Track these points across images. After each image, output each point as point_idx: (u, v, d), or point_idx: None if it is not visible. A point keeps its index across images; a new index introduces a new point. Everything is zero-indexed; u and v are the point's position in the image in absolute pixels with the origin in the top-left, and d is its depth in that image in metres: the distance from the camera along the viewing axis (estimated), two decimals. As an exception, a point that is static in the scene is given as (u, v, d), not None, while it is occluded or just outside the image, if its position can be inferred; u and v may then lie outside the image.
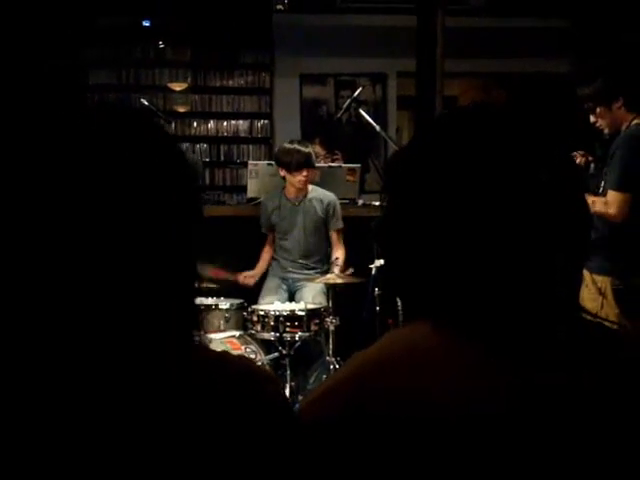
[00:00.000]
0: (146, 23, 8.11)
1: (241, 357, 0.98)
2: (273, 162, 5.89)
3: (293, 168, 4.91)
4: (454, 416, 0.92)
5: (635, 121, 3.71)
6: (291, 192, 5.06)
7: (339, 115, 6.13)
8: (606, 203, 3.66)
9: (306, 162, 4.92)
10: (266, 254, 5.23)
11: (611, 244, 3.69)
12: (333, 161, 6.51)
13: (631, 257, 3.68)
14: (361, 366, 1.00)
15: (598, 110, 3.76)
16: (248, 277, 5.09)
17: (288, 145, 5.00)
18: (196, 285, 0.99)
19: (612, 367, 0.99)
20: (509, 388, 0.95)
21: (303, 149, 4.93)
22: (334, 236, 5.12)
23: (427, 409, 0.93)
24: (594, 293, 3.67)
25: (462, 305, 0.98)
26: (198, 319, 0.98)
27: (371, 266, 4.62)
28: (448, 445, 0.92)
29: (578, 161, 3.93)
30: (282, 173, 4.98)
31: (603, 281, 3.69)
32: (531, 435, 0.93)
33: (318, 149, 6.51)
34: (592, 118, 3.80)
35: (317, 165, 5.53)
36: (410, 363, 0.96)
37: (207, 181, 8.00)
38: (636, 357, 1.01)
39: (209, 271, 4.75)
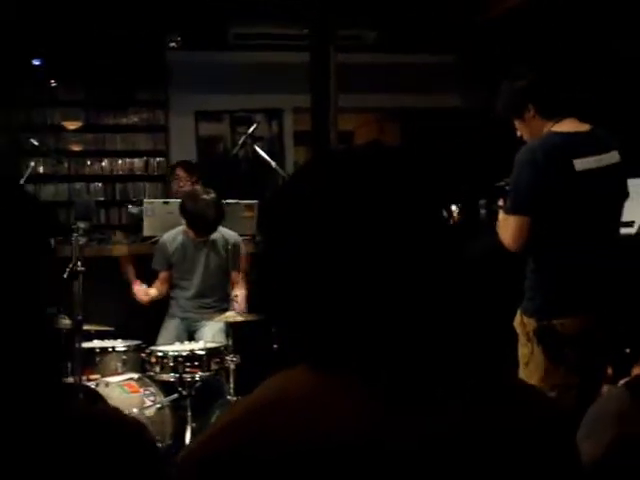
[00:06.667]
0: (37, 62, 7.96)
1: (108, 407, 0.96)
2: (169, 200, 5.85)
3: (187, 225, 4.91)
4: (323, 455, 0.93)
5: (553, 128, 3.30)
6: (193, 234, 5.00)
7: (234, 152, 6.14)
8: (502, 228, 3.33)
9: (200, 227, 4.89)
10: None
11: (534, 281, 3.29)
12: (192, 184, 6.43)
13: (557, 296, 3.22)
14: (240, 413, 1.00)
15: (516, 123, 3.42)
16: (143, 291, 4.97)
17: (193, 204, 4.85)
18: (48, 327, 0.96)
19: (499, 416, 1.00)
20: (375, 427, 0.96)
21: (208, 214, 4.82)
22: (236, 275, 5.06)
23: (298, 449, 0.94)
24: (524, 338, 3.27)
25: (333, 348, 0.99)
26: (59, 362, 0.96)
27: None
28: None
29: None
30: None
31: (530, 323, 3.25)
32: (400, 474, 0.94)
33: (181, 172, 6.58)
34: (518, 133, 3.44)
35: (180, 188, 6.16)
36: (283, 407, 0.97)
37: (102, 220, 7.88)
38: (531, 413, 1.03)
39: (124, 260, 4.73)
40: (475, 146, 7.47)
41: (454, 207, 4.59)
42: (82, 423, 0.92)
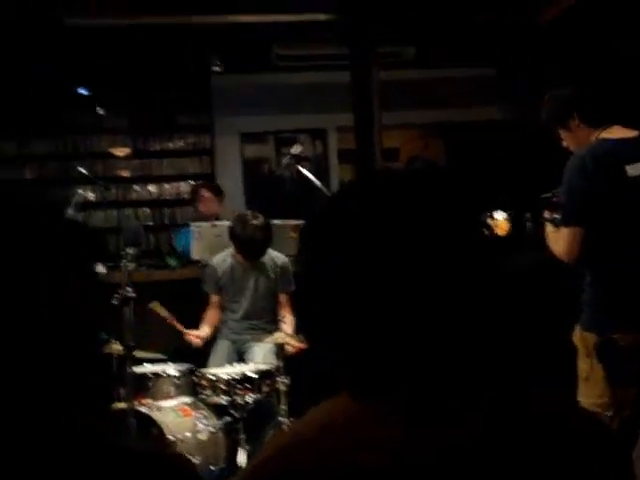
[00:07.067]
0: (83, 91, 8.08)
1: (153, 442, 0.98)
2: (217, 223, 5.89)
3: (236, 249, 4.92)
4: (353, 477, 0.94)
5: (601, 135, 3.27)
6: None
7: (278, 172, 6.16)
8: (552, 240, 3.30)
9: (249, 252, 4.90)
10: (211, 317, 5.10)
11: (591, 294, 3.23)
12: (219, 203, 6.61)
13: (614, 309, 3.16)
14: (290, 439, 1.02)
15: (561, 133, 3.39)
16: (195, 337, 4.90)
17: (241, 229, 4.85)
18: (97, 353, 0.99)
19: (523, 432, 0.99)
20: (417, 449, 0.95)
21: (257, 239, 4.83)
22: (283, 298, 5.06)
23: (341, 473, 0.94)
24: (584, 353, 3.21)
25: (373, 374, 0.99)
26: (106, 394, 0.99)
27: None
28: None
29: None
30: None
31: (590, 338, 3.17)
32: None
33: (206, 194, 6.64)
34: (564, 143, 3.42)
35: (208, 210, 6.31)
36: (329, 433, 0.98)
37: (151, 246, 7.95)
38: (555, 426, 1.01)
39: (163, 314, 4.65)
40: (520, 158, 7.41)
41: (503, 215, 4.49)
42: (122, 458, 0.92)
